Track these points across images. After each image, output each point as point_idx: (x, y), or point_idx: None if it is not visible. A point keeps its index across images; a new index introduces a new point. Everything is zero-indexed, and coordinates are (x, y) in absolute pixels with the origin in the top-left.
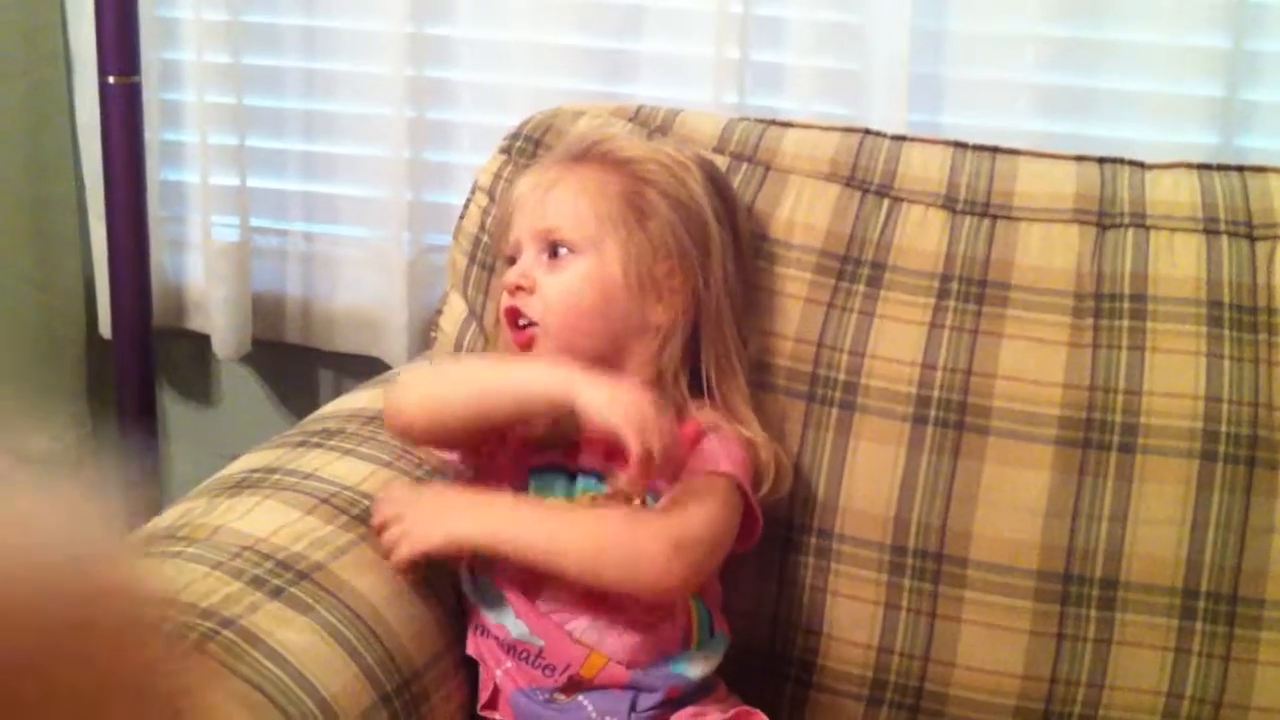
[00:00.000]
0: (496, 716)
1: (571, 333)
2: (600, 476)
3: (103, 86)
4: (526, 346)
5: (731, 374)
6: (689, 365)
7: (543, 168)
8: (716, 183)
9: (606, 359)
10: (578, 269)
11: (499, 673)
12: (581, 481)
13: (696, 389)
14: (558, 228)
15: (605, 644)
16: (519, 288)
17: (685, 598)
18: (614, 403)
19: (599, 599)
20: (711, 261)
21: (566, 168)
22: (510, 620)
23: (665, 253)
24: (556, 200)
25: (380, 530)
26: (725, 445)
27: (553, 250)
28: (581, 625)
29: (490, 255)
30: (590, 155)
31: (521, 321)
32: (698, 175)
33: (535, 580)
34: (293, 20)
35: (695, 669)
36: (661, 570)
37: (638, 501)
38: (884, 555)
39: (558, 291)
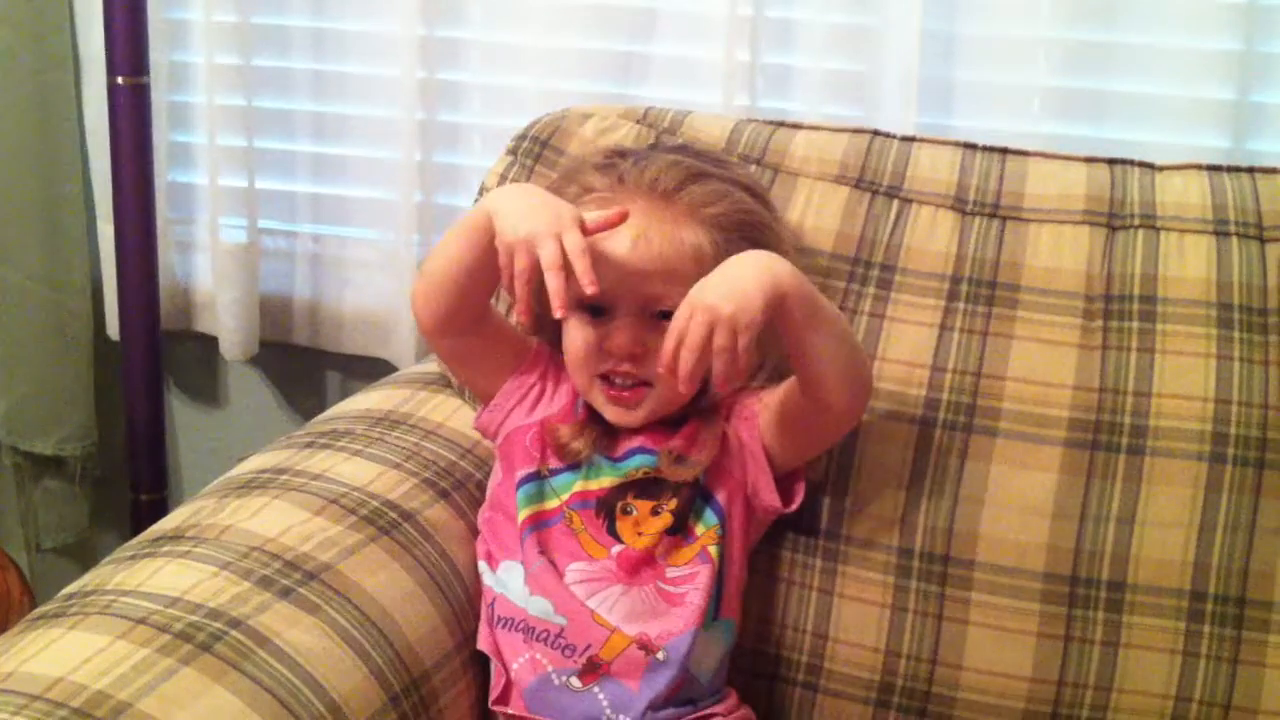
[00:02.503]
0: (508, 711)
1: (680, 397)
2: (654, 453)
3: (111, 87)
4: (629, 406)
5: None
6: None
7: (632, 205)
8: (771, 206)
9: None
10: None
11: (515, 665)
12: (636, 459)
13: None
14: (662, 299)
15: (628, 619)
16: (635, 354)
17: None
18: (514, 228)
19: (629, 568)
20: None
21: (656, 217)
22: (534, 600)
23: None
24: (659, 268)
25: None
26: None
27: (654, 312)
28: (613, 595)
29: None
30: (678, 201)
31: (630, 381)
32: (771, 204)
33: (571, 545)
34: (302, 22)
35: (706, 660)
36: (865, 389)
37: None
38: (891, 557)
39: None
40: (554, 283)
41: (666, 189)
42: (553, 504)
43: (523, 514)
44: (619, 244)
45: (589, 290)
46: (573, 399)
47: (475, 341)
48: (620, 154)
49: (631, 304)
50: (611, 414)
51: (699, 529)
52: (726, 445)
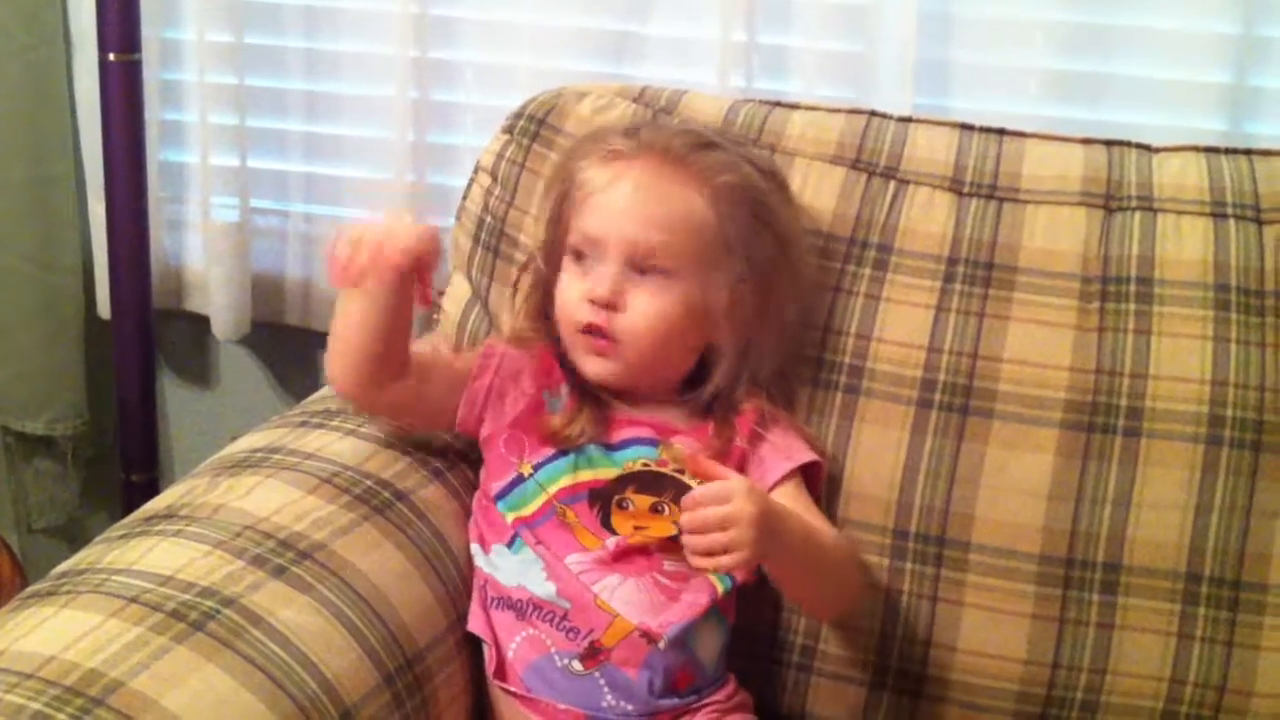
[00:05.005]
0: (507, 687)
1: (651, 358)
2: (655, 444)
3: (103, 64)
4: (601, 355)
5: (781, 371)
6: (746, 366)
7: (630, 161)
8: (787, 192)
9: (662, 380)
10: (670, 297)
11: (513, 645)
12: (633, 450)
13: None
14: (654, 251)
15: (628, 608)
16: (611, 305)
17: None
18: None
19: (625, 560)
20: (793, 282)
21: (665, 175)
22: (537, 580)
23: (746, 280)
24: (656, 220)
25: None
26: (787, 435)
27: (640, 268)
28: (610, 585)
29: (495, 237)
30: (688, 166)
31: (598, 336)
32: (783, 190)
33: (565, 539)
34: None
35: (708, 648)
36: (854, 600)
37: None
38: (886, 539)
39: (649, 318)
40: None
41: (679, 152)
42: (539, 502)
43: (510, 519)
44: (619, 192)
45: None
46: (538, 390)
47: (409, 383)
48: (645, 123)
49: (619, 253)
50: (590, 367)
51: None
52: (739, 461)
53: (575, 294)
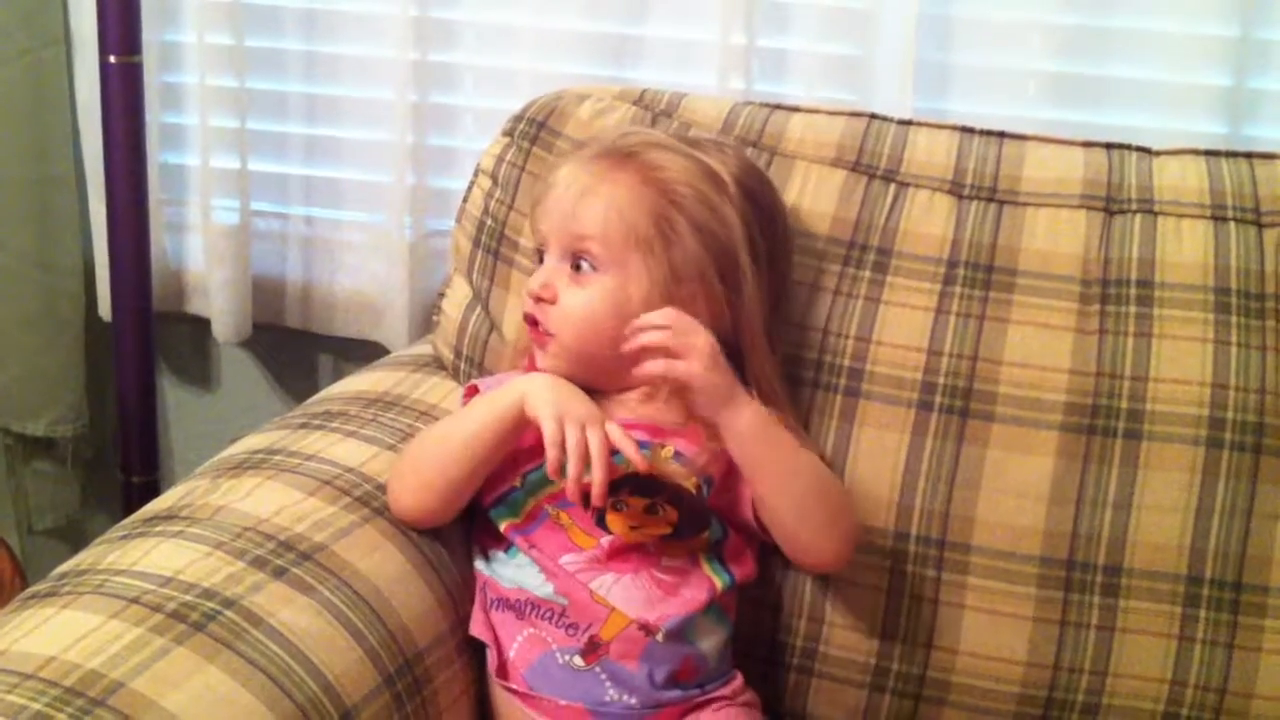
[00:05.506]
0: (510, 685)
1: (583, 348)
2: (647, 447)
3: (103, 66)
4: (542, 348)
5: (765, 375)
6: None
7: (582, 162)
8: (755, 194)
9: (616, 373)
10: (597, 289)
11: (514, 646)
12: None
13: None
14: (584, 240)
15: (625, 602)
16: (540, 298)
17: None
18: (541, 399)
19: (620, 558)
20: (742, 287)
21: (605, 172)
22: (535, 581)
23: (689, 277)
24: (589, 209)
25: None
26: None
27: (575, 261)
28: (606, 582)
29: (495, 239)
30: (630, 163)
31: (540, 327)
32: (735, 194)
33: (559, 540)
34: (295, 3)
35: (709, 641)
36: (851, 537)
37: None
38: (887, 541)
39: (575, 309)
40: (599, 473)
41: (624, 151)
42: (529, 508)
43: (502, 526)
44: (558, 189)
45: (596, 502)
46: None
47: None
48: (614, 129)
49: (556, 247)
50: (538, 360)
51: (703, 538)
52: (730, 462)
53: (526, 283)
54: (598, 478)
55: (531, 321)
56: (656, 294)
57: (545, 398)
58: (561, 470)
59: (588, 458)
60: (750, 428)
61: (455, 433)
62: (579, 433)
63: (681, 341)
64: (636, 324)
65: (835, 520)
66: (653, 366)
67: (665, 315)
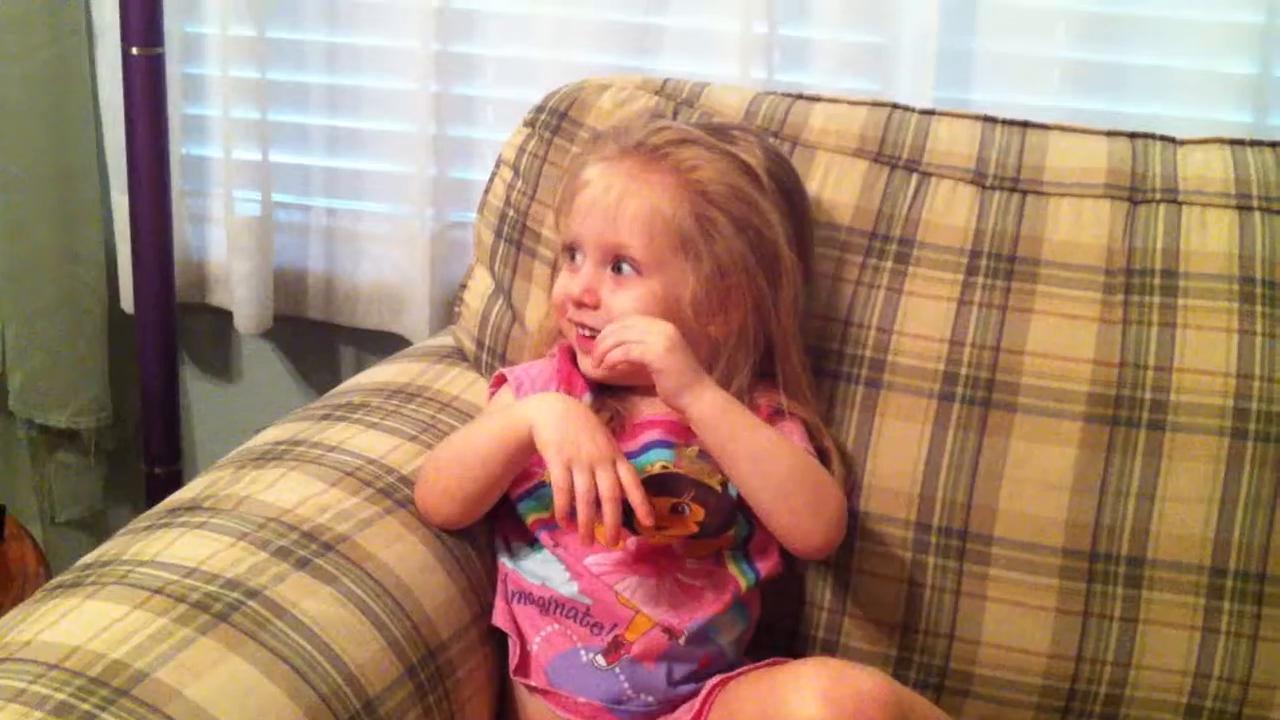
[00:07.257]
0: (529, 682)
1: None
2: (671, 446)
3: (126, 57)
4: (587, 352)
5: (792, 365)
6: (753, 359)
7: (612, 161)
8: (786, 184)
9: None
10: (644, 292)
11: (537, 640)
12: (652, 454)
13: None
14: (627, 246)
15: (650, 605)
16: (582, 303)
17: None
18: (548, 437)
19: (646, 560)
20: (781, 279)
21: (638, 173)
22: (559, 579)
23: (733, 274)
24: (629, 214)
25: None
26: (793, 430)
27: (616, 264)
28: (630, 584)
29: (517, 231)
30: (663, 163)
31: (585, 331)
32: (770, 187)
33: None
34: None
35: (728, 636)
36: (836, 521)
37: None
38: (909, 533)
39: (626, 314)
40: (611, 516)
41: (656, 149)
42: None
43: (529, 520)
44: (593, 191)
45: (647, 522)
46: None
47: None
48: (637, 121)
49: (594, 252)
50: (583, 364)
51: (729, 535)
52: None
53: (559, 292)
54: (609, 521)
55: (580, 325)
56: (703, 292)
57: (553, 437)
58: (571, 513)
59: (598, 501)
60: (713, 409)
61: (469, 450)
62: (588, 478)
63: (640, 329)
64: (599, 339)
65: (816, 504)
66: (613, 353)
67: (622, 322)
